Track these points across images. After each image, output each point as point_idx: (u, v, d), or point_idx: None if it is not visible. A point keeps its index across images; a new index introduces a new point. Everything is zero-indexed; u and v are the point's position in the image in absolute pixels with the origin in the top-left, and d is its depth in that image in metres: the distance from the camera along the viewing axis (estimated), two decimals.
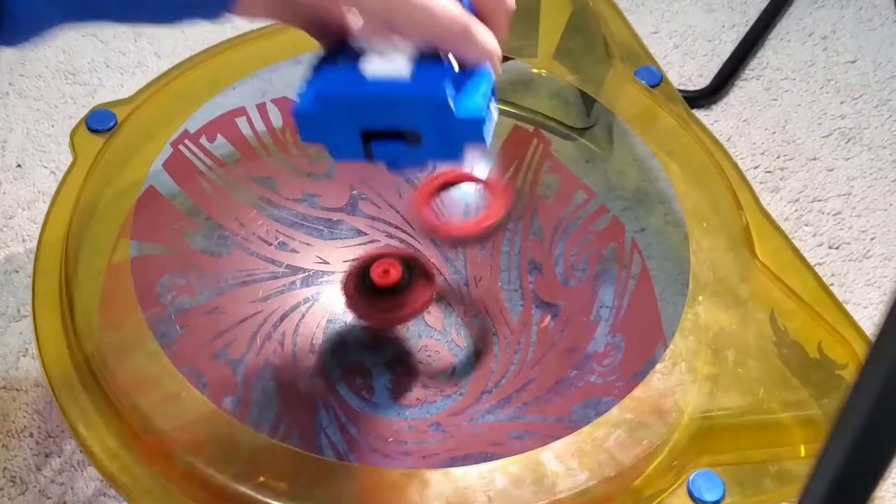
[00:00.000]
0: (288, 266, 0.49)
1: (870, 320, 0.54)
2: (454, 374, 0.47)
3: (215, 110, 0.49)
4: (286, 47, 0.51)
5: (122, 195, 0.44)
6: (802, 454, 0.38)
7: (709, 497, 0.36)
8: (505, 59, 0.54)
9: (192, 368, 0.41)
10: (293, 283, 0.49)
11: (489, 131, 0.31)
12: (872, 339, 0.19)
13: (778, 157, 0.63)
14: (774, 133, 0.65)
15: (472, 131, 0.30)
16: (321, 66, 0.31)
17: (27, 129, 0.61)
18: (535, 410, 0.45)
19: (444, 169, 0.47)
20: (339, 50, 0.31)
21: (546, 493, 0.35)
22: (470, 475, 0.35)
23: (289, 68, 0.51)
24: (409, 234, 0.52)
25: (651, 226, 0.50)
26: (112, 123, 0.47)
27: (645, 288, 0.47)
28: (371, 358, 0.47)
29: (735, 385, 0.39)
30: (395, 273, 0.44)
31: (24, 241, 0.55)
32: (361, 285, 0.44)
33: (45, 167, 0.59)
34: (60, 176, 0.44)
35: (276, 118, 0.52)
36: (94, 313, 0.39)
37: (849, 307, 0.54)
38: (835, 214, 0.60)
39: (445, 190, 0.47)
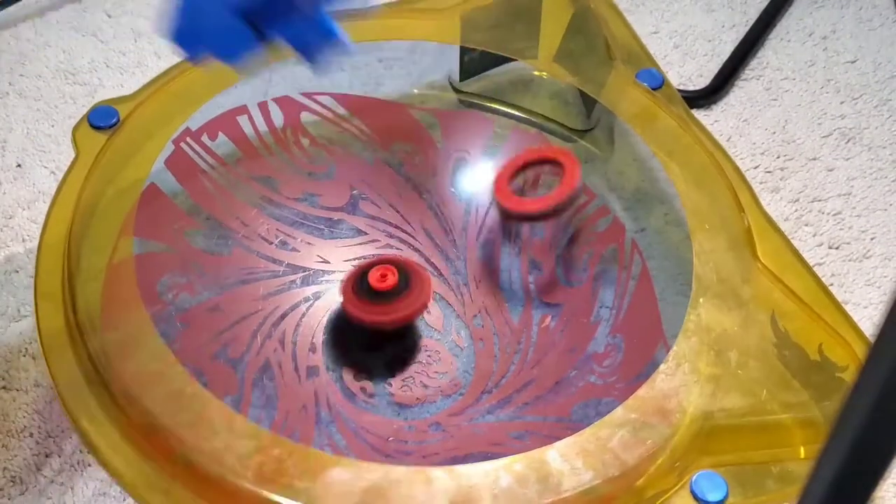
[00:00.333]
0: (288, 265, 0.50)
1: (870, 320, 0.54)
2: (454, 375, 0.47)
3: (217, 108, 0.49)
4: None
5: (125, 192, 0.44)
6: (802, 455, 0.38)
7: (712, 497, 0.36)
8: (505, 60, 0.54)
9: (193, 367, 0.41)
10: (293, 281, 0.49)
11: None
12: (872, 339, 0.19)
13: (778, 157, 0.63)
14: (774, 133, 0.65)
15: None
16: None
17: (27, 129, 0.61)
18: (535, 410, 0.45)
19: (517, 155, 0.50)
20: None
21: (551, 492, 0.35)
22: (474, 473, 0.35)
23: (290, 68, 0.51)
24: (409, 234, 0.52)
25: (651, 226, 0.50)
26: (114, 120, 0.47)
27: (645, 288, 0.47)
28: (371, 358, 0.47)
29: (737, 386, 0.39)
30: (393, 278, 0.45)
31: (24, 241, 0.55)
32: (359, 289, 0.45)
33: (45, 167, 0.59)
34: (60, 176, 0.44)
35: (278, 117, 0.52)
36: (97, 310, 0.39)
37: (849, 307, 0.54)
38: (835, 214, 0.60)
39: (522, 172, 0.51)
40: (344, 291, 0.46)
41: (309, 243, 0.51)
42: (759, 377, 0.40)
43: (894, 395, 0.19)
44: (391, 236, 0.52)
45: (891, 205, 0.61)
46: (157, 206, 0.46)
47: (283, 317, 0.48)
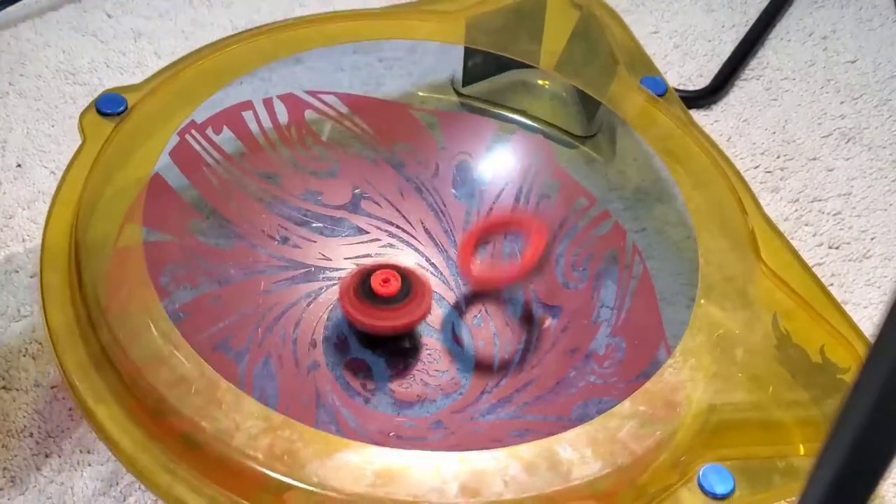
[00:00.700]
0: (290, 261, 0.50)
1: (870, 320, 0.54)
2: (454, 374, 0.47)
3: (222, 102, 0.49)
4: (296, 43, 0.51)
5: (131, 181, 0.44)
6: (802, 453, 0.38)
7: (719, 490, 0.36)
8: (509, 66, 0.54)
9: None
10: (294, 278, 0.49)
11: None
12: (872, 339, 0.19)
13: (778, 157, 0.63)
14: (774, 133, 0.65)
15: None
16: None
17: (27, 129, 0.61)
18: (535, 410, 0.45)
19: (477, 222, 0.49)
20: None
21: (561, 480, 0.35)
22: (484, 459, 0.35)
23: (291, 66, 0.51)
24: (410, 234, 0.52)
25: (652, 226, 0.50)
26: (122, 108, 0.47)
27: (646, 289, 0.48)
28: (371, 355, 0.47)
29: (741, 384, 0.40)
30: (396, 283, 0.45)
31: (24, 241, 0.55)
32: (360, 293, 0.45)
33: (45, 167, 0.59)
34: (60, 176, 0.44)
35: (282, 114, 0.52)
36: (104, 294, 0.39)
37: (849, 307, 0.54)
38: (835, 214, 0.60)
39: (486, 240, 0.49)
40: (344, 294, 0.46)
41: (311, 240, 0.51)
42: (762, 376, 0.40)
43: (894, 395, 0.19)
44: (392, 235, 0.52)
45: (891, 205, 0.61)
46: (161, 197, 0.46)
47: (283, 312, 0.48)
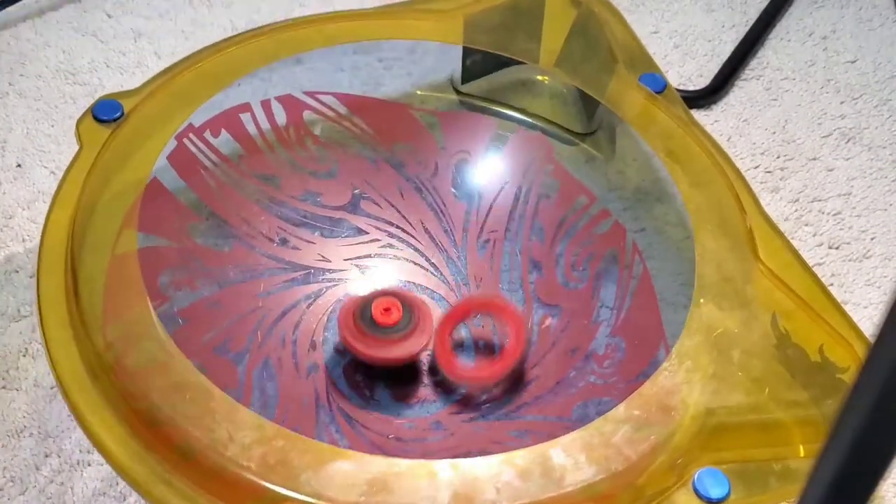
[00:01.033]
0: (289, 263, 0.50)
1: (870, 320, 0.54)
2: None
3: (220, 105, 0.49)
4: (292, 45, 0.51)
5: (128, 186, 0.44)
6: (802, 455, 0.38)
7: (714, 494, 0.36)
8: (508, 63, 0.54)
9: (194, 363, 0.41)
10: (294, 279, 0.49)
11: None
12: (872, 339, 0.19)
13: (778, 157, 0.63)
14: (774, 133, 0.65)
15: None
16: None
17: (27, 129, 0.61)
18: (535, 410, 0.45)
19: (450, 310, 0.46)
20: None
21: (554, 486, 0.35)
22: (478, 466, 0.35)
23: (289, 67, 0.51)
24: (410, 234, 0.52)
25: (651, 226, 0.50)
26: (118, 114, 0.46)
27: (646, 289, 0.48)
28: None
29: (739, 385, 0.39)
30: (397, 313, 0.44)
31: (24, 241, 0.55)
32: (360, 320, 0.44)
33: (45, 167, 0.59)
34: (60, 176, 0.44)
35: (281, 115, 0.52)
36: (99, 301, 0.39)
37: (849, 307, 0.54)
38: (835, 214, 0.60)
39: (460, 326, 0.47)
40: (343, 322, 0.45)
41: (310, 242, 0.51)
42: (761, 376, 0.40)
43: (894, 395, 0.19)
44: (392, 236, 0.52)
45: (891, 205, 0.61)
46: (159, 201, 0.46)
47: (283, 314, 0.48)
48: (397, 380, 0.46)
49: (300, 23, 0.53)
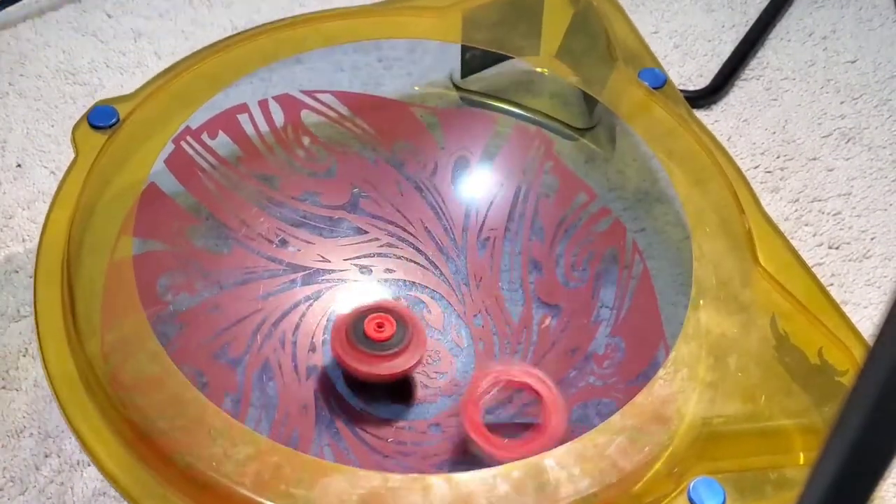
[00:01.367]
0: (288, 264, 0.50)
1: (870, 320, 0.54)
2: (453, 375, 0.47)
3: (217, 107, 0.49)
4: (289, 45, 0.51)
5: (125, 192, 0.44)
6: (802, 462, 0.38)
7: (709, 503, 0.36)
8: (507, 57, 0.54)
9: (193, 367, 0.41)
10: (294, 280, 0.49)
11: None
12: (872, 339, 0.19)
13: (778, 157, 0.63)
14: (774, 133, 0.65)
15: None
16: None
17: (27, 129, 0.61)
18: (535, 411, 0.45)
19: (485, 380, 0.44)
20: None
21: (548, 499, 0.35)
22: (472, 480, 0.35)
23: (288, 67, 0.51)
24: (410, 233, 0.52)
25: (651, 226, 0.50)
26: (114, 120, 0.46)
27: (646, 289, 0.47)
28: None
29: (736, 392, 0.39)
30: (390, 329, 0.44)
31: (24, 241, 0.55)
32: (353, 336, 0.44)
33: (45, 167, 0.59)
34: (60, 176, 0.44)
35: (279, 115, 0.52)
36: (96, 311, 0.39)
37: (848, 307, 0.54)
38: (835, 214, 0.60)
39: (492, 399, 0.44)
40: (336, 337, 0.44)
41: (309, 242, 0.51)
42: (759, 382, 0.39)
43: (894, 396, 0.19)
44: (392, 235, 0.52)
45: (891, 205, 0.61)
46: (157, 205, 0.46)
47: (283, 316, 0.48)
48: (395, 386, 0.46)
49: (298, 22, 0.53)
